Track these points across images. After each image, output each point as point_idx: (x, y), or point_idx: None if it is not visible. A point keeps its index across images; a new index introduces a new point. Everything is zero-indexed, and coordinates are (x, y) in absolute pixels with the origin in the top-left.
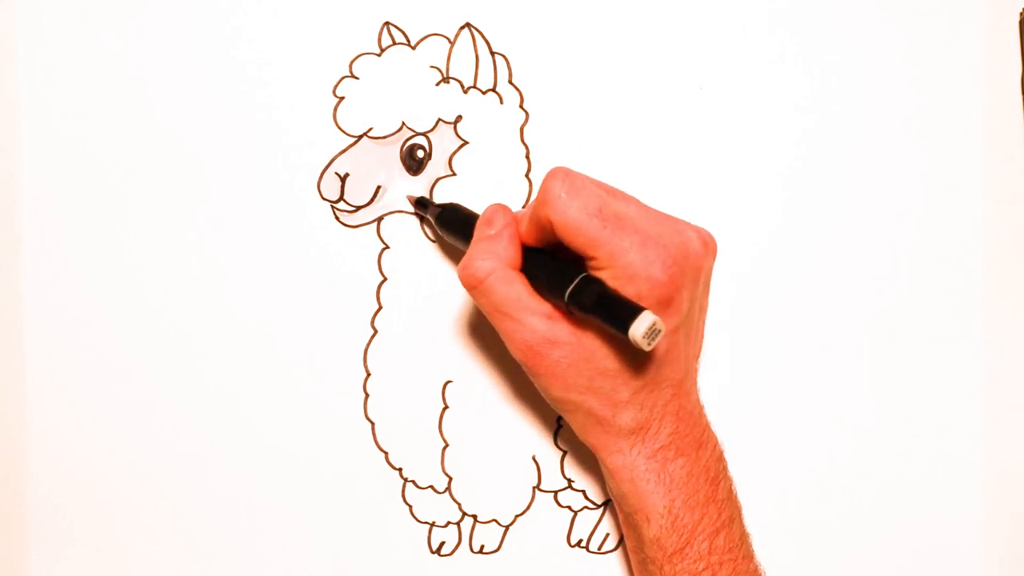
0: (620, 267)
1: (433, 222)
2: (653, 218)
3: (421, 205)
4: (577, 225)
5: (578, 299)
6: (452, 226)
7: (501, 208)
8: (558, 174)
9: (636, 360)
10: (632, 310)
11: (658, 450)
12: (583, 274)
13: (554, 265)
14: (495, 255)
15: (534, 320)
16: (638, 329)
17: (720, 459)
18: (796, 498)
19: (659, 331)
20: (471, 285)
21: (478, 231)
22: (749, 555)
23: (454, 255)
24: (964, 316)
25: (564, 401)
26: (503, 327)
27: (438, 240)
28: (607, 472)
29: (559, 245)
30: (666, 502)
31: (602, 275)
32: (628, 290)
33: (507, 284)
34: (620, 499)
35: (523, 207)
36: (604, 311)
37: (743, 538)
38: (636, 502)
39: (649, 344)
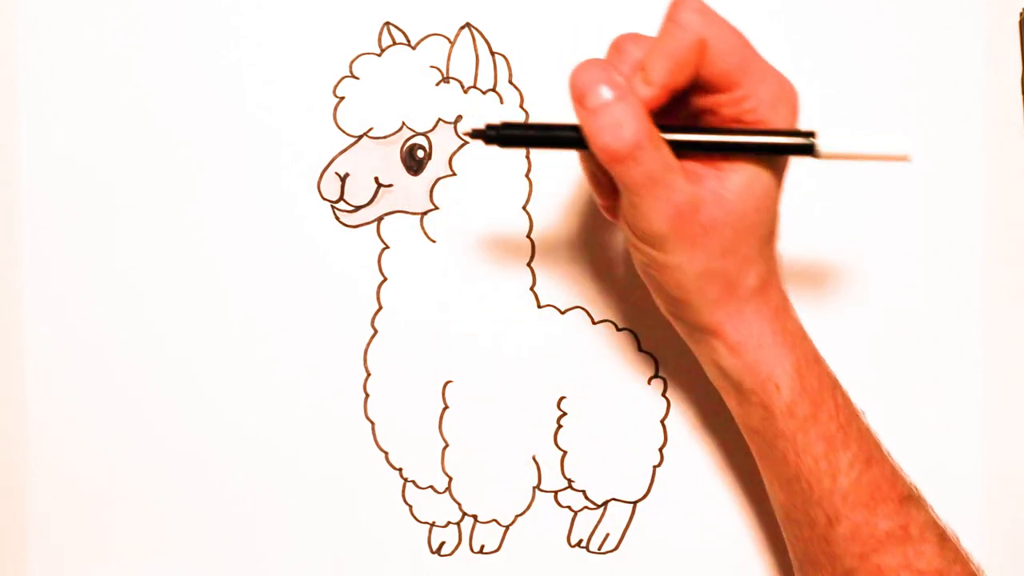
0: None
1: (497, 145)
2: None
3: (480, 134)
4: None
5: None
6: (522, 140)
7: (603, 66)
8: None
9: (767, 206)
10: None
11: (776, 308)
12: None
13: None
14: (638, 115)
15: (680, 180)
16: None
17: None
18: None
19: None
20: (624, 156)
21: (591, 98)
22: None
23: (453, 255)
24: (964, 316)
25: (702, 274)
26: (651, 196)
27: (438, 240)
28: (727, 351)
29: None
30: (792, 361)
31: (746, 105)
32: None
33: (658, 146)
34: (742, 374)
35: (523, 207)
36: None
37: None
38: (765, 369)
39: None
